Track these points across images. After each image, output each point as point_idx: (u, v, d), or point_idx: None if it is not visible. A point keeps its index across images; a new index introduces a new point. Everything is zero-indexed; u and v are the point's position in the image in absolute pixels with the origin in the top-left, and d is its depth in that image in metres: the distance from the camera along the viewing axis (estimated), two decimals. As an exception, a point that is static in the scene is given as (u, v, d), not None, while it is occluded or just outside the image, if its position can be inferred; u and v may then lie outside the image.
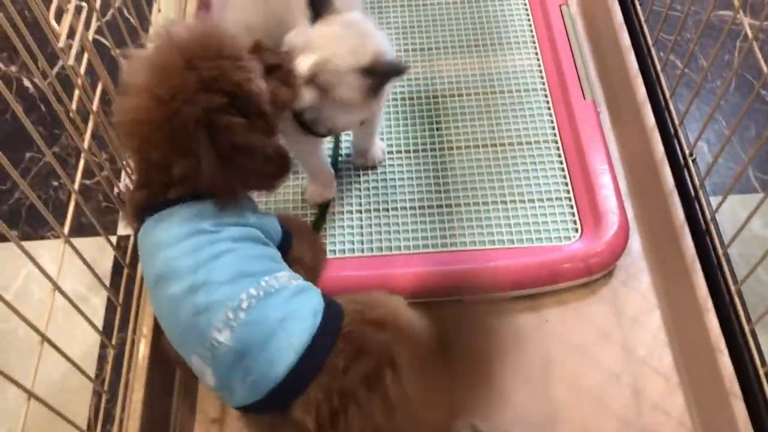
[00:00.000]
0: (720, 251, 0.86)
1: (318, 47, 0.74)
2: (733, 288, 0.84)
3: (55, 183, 1.05)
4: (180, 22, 0.64)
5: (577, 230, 0.94)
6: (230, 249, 0.61)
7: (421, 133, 1.04)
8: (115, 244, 0.99)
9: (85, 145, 0.75)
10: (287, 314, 0.59)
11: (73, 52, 0.69)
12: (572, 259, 0.91)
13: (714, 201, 0.93)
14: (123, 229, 1.01)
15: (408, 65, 0.76)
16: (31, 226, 1.01)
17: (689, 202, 0.92)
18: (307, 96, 0.74)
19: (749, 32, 0.78)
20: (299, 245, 0.74)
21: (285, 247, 0.71)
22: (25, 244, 0.62)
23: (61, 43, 0.66)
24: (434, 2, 1.18)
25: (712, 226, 0.89)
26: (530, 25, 1.14)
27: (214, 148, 0.60)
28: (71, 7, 0.70)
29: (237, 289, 0.58)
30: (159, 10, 1.00)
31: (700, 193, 0.91)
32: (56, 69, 1.10)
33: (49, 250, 0.97)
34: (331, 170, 0.97)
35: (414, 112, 1.07)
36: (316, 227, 0.96)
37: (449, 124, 1.05)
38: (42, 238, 1.00)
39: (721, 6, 1.20)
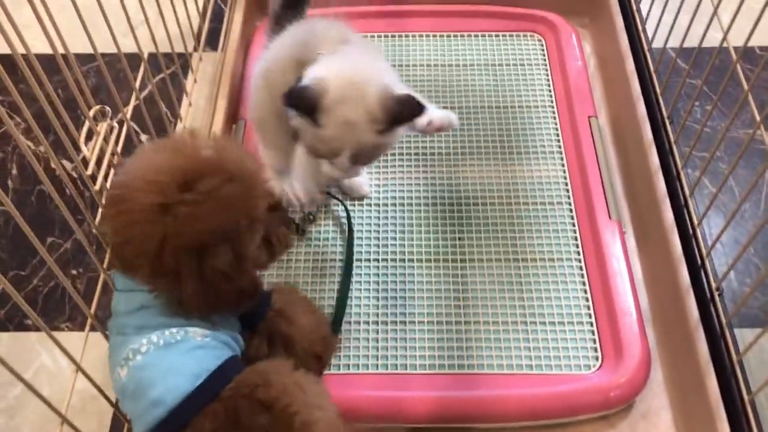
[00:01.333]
0: (746, 398, 0.83)
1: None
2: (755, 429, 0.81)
3: (74, 272, 1.05)
4: (201, 136, 0.65)
5: (597, 358, 0.92)
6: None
7: (443, 242, 1.03)
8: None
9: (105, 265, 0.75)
10: (174, 367, 0.64)
11: (100, 178, 0.69)
12: (591, 392, 0.89)
13: (742, 334, 0.91)
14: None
15: (422, 105, 0.78)
16: (46, 315, 1.01)
17: (715, 339, 0.89)
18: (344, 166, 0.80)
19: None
20: (289, 307, 0.80)
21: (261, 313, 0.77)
22: (39, 334, 0.62)
23: (90, 171, 0.67)
24: (462, 106, 1.18)
25: (738, 369, 0.86)
26: (558, 136, 1.14)
27: (197, 272, 0.63)
28: (102, 129, 0.71)
29: (144, 334, 0.65)
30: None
31: (726, 332, 0.89)
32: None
33: (63, 341, 0.96)
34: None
35: (436, 219, 1.06)
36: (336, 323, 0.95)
37: (471, 234, 1.04)
38: (56, 329, 0.99)
39: (751, 124, 1.18)
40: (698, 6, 1.01)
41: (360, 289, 0.99)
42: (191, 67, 1.13)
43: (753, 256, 1.06)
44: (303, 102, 0.76)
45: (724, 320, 0.90)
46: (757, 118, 0.81)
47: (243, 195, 0.64)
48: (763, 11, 0.83)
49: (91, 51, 0.76)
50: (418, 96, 0.79)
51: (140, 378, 0.64)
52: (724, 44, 0.91)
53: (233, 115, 1.16)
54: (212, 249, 0.63)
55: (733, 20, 0.90)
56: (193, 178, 0.61)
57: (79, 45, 0.75)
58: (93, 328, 0.75)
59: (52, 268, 0.63)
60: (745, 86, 0.86)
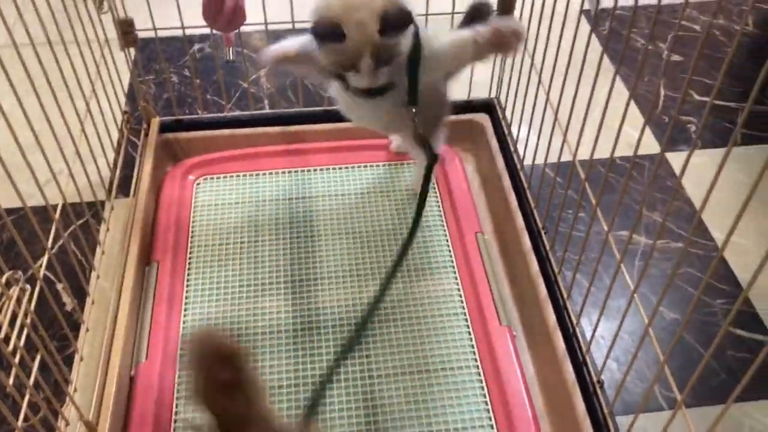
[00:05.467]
0: (631, 481, 0.92)
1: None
2: None
3: (-10, 428, 1.06)
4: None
5: (500, 458, 0.99)
6: None
7: (351, 361, 1.10)
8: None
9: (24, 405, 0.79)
10: None
11: (14, 338, 0.74)
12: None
13: (626, 420, 1.00)
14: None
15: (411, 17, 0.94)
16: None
17: (599, 428, 0.98)
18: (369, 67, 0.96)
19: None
20: None
21: None
22: None
23: (2, 334, 0.72)
24: (362, 231, 1.29)
25: (622, 454, 0.95)
26: (450, 252, 1.25)
27: None
28: (14, 293, 0.76)
29: None
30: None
31: (609, 420, 0.98)
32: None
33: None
34: None
35: (343, 339, 1.13)
36: None
37: (378, 350, 1.12)
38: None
39: (618, 227, 1.34)
40: (552, 129, 1.17)
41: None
42: (103, 218, 1.20)
43: (630, 347, 1.18)
44: (329, 29, 0.93)
45: (606, 410, 0.99)
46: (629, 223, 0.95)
47: None
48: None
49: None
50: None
51: None
52: (576, 158, 1.06)
53: (146, 258, 1.22)
54: None
55: (578, 140, 1.06)
56: None
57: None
58: None
59: None
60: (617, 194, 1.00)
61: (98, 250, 1.17)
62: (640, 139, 0.85)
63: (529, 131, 1.30)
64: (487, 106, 1.47)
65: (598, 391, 1.02)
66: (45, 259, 0.93)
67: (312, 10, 0.97)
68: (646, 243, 1.33)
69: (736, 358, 1.15)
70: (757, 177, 0.58)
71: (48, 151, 0.95)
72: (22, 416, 0.80)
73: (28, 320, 0.80)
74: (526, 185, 1.30)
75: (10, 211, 1.20)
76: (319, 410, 1.03)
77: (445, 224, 1.30)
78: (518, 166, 1.34)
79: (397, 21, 0.94)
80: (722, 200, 0.95)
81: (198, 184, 1.37)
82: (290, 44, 1.06)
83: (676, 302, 1.23)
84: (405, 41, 0.98)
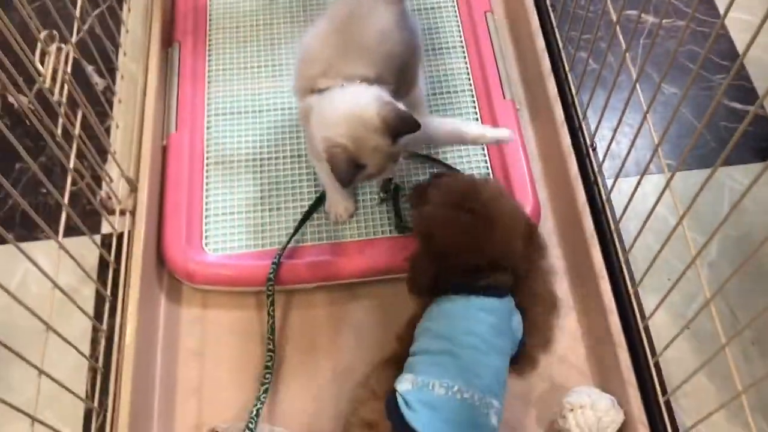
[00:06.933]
0: (612, 227, 1.03)
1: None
2: (622, 257, 1.01)
3: (44, 190, 1.19)
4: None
5: (498, 213, 1.10)
6: None
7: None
8: (99, 242, 1.13)
9: (71, 164, 0.90)
10: None
11: (57, 88, 0.83)
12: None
13: (618, 183, 1.09)
14: (105, 228, 1.15)
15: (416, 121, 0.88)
16: (25, 228, 1.15)
17: (589, 186, 1.08)
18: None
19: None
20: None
21: None
22: (22, 245, 0.76)
23: (47, 83, 0.80)
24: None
25: (607, 208, 1.05)
26: (459, 32, 1.29)
27: None
28: (53, 49, 0.84)
29: None
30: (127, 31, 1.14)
31: (598, 179, 1.08)
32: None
33: (43, 250, 1.11)
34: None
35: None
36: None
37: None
38: (36, 239, 1.14)
39: (628, 6, 1.35)
40: None
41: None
42: (124, -1, 1.25)
43: (628, 119, 1.24)
44: (350, 172, 0.88)
45: (596, 169, 1.08)
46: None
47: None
48: None
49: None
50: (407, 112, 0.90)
51: None
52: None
53: (168, 39, 1.28)
54: None
55: None
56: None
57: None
58: (65, 234, 0.89)
59: (15, 198, 0.75)
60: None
61: (122, 28, 1.23)
62: None
63: None
64: None
65: (591, 153, 1.10)
66: (75, 29, 0.99)
67: (320, 139, 0.90)
68: (653, 22, 1.34)
69: (727, 129, 1.22)
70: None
71: None
72: (71, 163, 0.91)
73: (67, 77, 0.88)
74: (538, -37, 1.30)
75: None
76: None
77: (455, 3, 1.32)
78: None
79: (404, 128, 0.88)
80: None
81: (213, -33, 1.38)
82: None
83: (677, 78, 1.28)
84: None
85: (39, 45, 0.83)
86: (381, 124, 0.87)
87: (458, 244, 0.84)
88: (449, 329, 0.84)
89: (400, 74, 0.98)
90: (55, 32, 0.86)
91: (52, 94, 0.84)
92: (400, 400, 0.79)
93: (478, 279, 0.84)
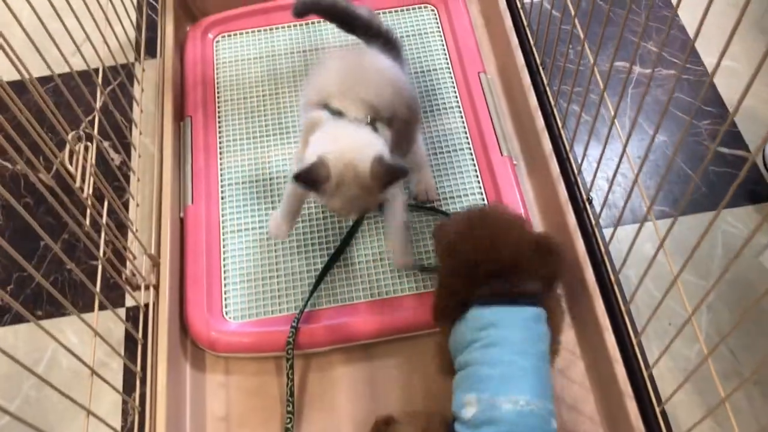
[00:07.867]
0: (612, 277, 1.08)
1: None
2: (623, 308, 1.06)
3: (67, 267, 1.25)
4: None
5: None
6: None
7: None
8: (125, 314, 1.19)
9: (100, 252, 0.96)
10: None
11: (86, 185, 0.89)
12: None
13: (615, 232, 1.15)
14: (129, 300, 1.21)
15: (406, 168, 0.95)
16: (53, 304, 1.21)
17: (588, 237, 1.13)
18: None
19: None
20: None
21: None
22: (50, 321, 0.80)
23: (78, 183, 0.87)
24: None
25: (606, 258, 1.11)
26: (455, 93, 1.36)
27: None
28: (80, 148, 0.90)
29: None
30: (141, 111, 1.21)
31: (596, 231, 1.13)
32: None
33: (71, 325, 1.17)
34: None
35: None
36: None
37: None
38: (63, 315, 1.20)
39: (617, 58, 1.41)
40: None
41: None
42: (136, 78, 1.31)
43: (622, 169, 1.30)
44: (311, 182, 0.93)
45: (593, 221, 1.14)
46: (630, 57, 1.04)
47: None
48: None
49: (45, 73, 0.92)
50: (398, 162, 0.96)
51: None
52: None
53: (180, 114, 1.35)
54: None
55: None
56: None
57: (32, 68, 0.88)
58: (90, 309, 0.95)
59: (37, 279, 0.82)
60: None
61: (135, 107, 1.30)
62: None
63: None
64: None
65: (587, 206, 1.16)
66: (96, 119, 1.06)
67: (314, 153, 0.95)
68: (641, 72, 1.41)
69: (716, 173, 1.28)
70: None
71: (72, 19, 1.03)
72: (101, 251, 0.97)
73: (92, 171, 0.94)
74: (525, 22, 1.37)
75: (42, 80, 1.32)
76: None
77: (450, 66, 1.39)
78: (518, 4, 1.40)
79: (393, 179, 0.95)
80: (714, 24, 1.03)
81: (217, 42, 1.46)
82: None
83: (663, 124, 1.34)
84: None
85: (68, 146, 0.89)
86: (371, 182, 0.94)
87: (477, 248, 0.90)
88: (499, 339, 0.87)
89: (403, 126, 1.05)
90: (81, 132, 0.92)
91: (82, 191, 0.90)
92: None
93: (509, 286, 0.90)
